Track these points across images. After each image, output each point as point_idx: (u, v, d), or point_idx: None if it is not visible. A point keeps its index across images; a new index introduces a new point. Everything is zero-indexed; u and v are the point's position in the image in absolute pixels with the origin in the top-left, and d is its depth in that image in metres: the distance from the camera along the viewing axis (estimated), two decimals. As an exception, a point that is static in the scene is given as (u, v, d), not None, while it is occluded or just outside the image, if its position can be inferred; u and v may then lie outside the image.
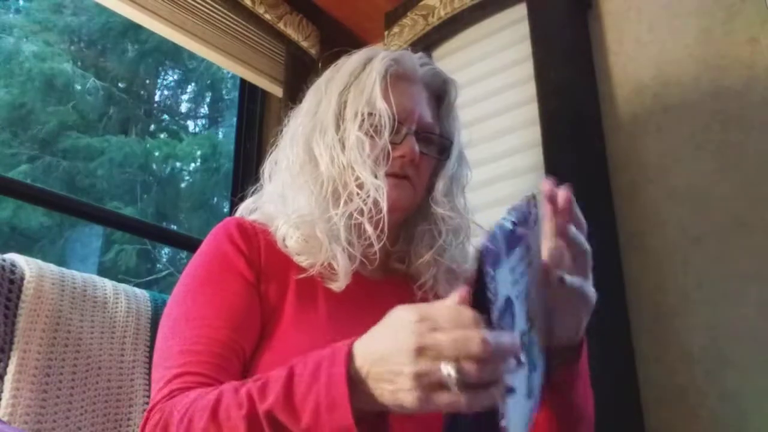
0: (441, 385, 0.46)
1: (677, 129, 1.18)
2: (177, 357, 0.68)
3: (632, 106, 1.26)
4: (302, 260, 0.76)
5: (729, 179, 1.10)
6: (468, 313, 0.47)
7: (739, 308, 1.04)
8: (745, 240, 1.06)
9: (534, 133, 1.31)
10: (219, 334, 0.69)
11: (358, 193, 0.75)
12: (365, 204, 0.74)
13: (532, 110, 1.33)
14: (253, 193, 0.88)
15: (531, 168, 1.33)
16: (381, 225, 0.74)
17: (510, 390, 0.48)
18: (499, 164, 1.39)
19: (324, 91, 0.84)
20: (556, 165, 1.25)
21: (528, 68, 1.36)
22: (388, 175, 0.78)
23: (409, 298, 0.79)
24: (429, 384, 0.47)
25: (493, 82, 1.46)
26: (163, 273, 5.71)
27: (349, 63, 0.84)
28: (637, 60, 1.27)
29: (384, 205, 0.74)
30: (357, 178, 0.76)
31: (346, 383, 0.50)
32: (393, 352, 0.48)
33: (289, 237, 0.77)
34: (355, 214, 0.75)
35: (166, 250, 5.79)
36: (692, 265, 1.11)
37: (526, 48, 1.37)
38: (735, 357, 1.03)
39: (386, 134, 0.76)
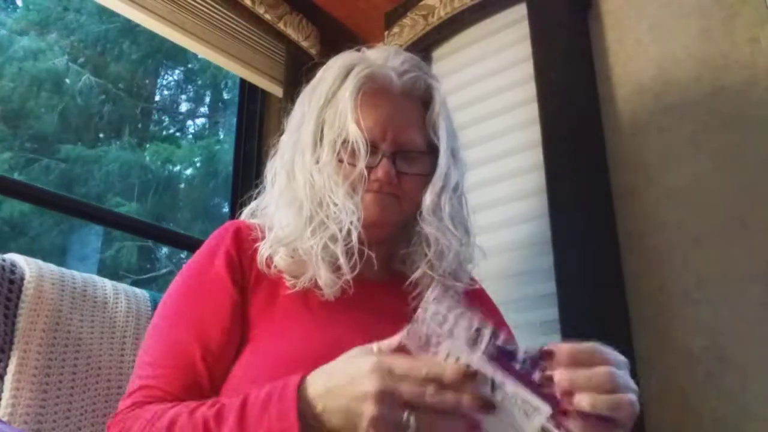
0: (397, 427, 0.50)
1: (677, 129, 1.18)
2: (146, 368, 0.69)
3: (632, 106, 1.26)
4: (289, 280, 0.76)
5: (729, 179, 1.10)
6: (422, 367, 0.50)
7: (739, 308, 1.04)
8: (745, 240, 1.06)
9: (534, 133, 1.31)
10: (191, 352, 0.69)
11: (335, 219, 0.74)
12: (340, 230, 0.73)
13: (532, 110, 1.33)
14: (256, 196, 0.87)
15: (531, 168, 1.33)
16: (353, 249, 0.74)
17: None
18: (499, 164, 1.39)
19: (307, 106, 0.82)
20: (556, 165, 1.25)
21: (528, 68, 1.36)
22: (369, 191, 0.77)
23: (403, 306, 0.77)
24: (385, 428, 0.50)
25: (493, 82, 1.46)
26: (163, 271, 5.71)
27: (329, 73, 0.82)
28: (637, 60, 1.27)
29: (354, 235, 0.73)
30: (332, 203, 0.75)
31: (296, 416, 0.52)
32: (352, 393, 0.51)
33: (275, 252, 0.77)
34: (326, 241, 0.74)
35: (166, 249, 5.79)
36: (692, 265, 1.11)
37: (526, 48, 1.37)
38: (735, 357, 1.03)
39: (361, 161, 0.74)
